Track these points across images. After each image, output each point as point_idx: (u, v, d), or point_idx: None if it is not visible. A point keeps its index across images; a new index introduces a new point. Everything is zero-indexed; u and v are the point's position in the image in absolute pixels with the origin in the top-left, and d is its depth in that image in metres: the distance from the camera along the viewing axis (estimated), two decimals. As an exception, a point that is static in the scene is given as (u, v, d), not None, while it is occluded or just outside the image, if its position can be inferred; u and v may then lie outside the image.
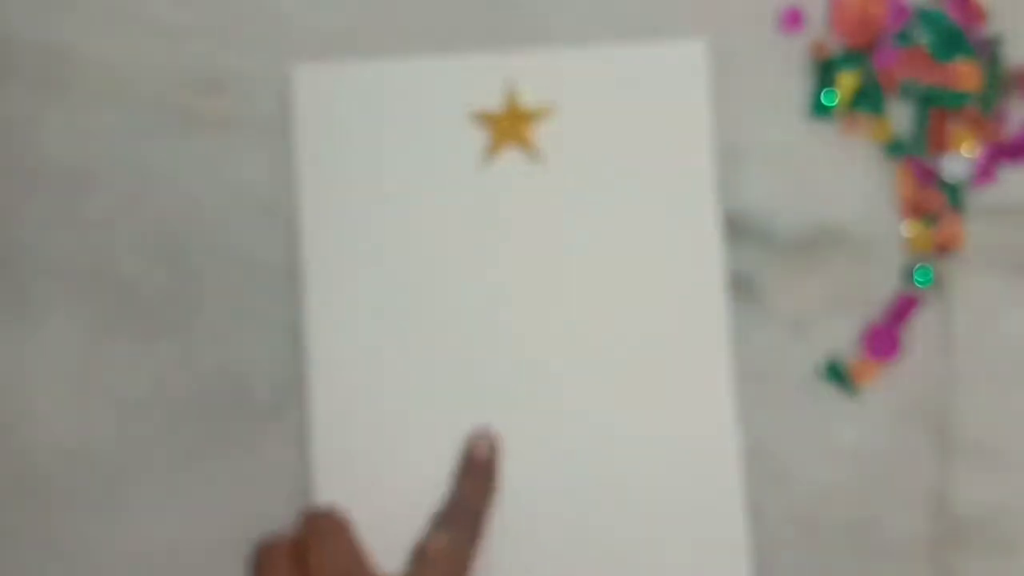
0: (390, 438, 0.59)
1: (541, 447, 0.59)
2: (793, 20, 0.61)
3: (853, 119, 0.61)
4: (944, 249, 0.60)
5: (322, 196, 0.60)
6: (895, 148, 0.61)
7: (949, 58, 0.61)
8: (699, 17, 0.61)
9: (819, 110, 0.61)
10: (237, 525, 0.60)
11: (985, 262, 0.61)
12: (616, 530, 0.58)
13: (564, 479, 0.59)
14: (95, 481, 0.60)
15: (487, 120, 0.60)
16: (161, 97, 0.62)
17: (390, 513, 0.58)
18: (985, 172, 0.61)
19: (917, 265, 0.60)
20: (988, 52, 0.61)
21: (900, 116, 0.61)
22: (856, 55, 0.61)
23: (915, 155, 0.61)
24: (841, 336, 0.60)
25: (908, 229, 0.60)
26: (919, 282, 0.60)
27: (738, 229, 0.61)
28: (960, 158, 0.61)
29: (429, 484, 0.59)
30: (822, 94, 0.61)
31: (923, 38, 0.61)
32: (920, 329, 0.60)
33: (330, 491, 0.59)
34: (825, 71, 0.61)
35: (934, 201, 0.60)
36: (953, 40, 0.61)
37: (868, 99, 0.61)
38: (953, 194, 0.61)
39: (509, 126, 0.60)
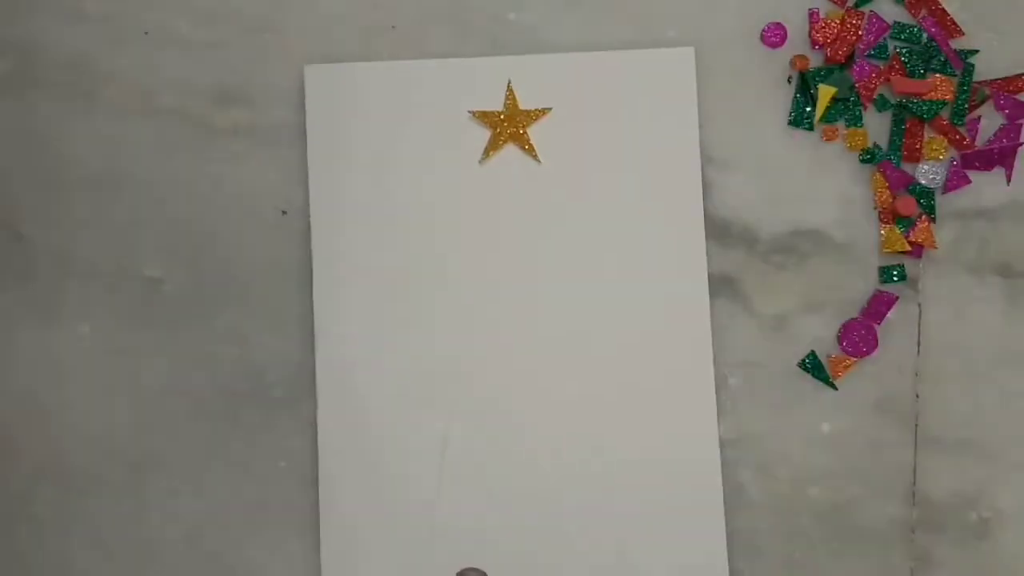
0: (391, 429, 0.60)
1: (533, 433, 0.60)
2: (775, 35, 0.62)
3: (831, 129, 0.62)
4: (917, 251, 0.62)
5: (329, 190, 0.61)
6: (871, 156, 0.62)
7: (924, 71, 0.62)
8: (685, 32, 0.62)
9: (799, 120, 0.62)
10: (252, 508, 0.61)
11: (956, 263, 0.62)
12: (602, 512, 0.60)
13: (555, 466, 0.60)
14: (120, 467, 0.62)
15: (487, 120, 0.62)
16: (182, 107, 0.63)
17: (391, 498, 0.60)
18: (957, 178, 0.62)
19: (891, 266, 0.61)
20: (961, 65, 0.62)
21: (876, 125, 0.62)
22: (834, 68, 0.62)
23: (890, 162, 0.62)
24: (820, 333, 0.61)
25: (883, 232, 0.61)
26: (893, 281, 0.61)
27: (722, 233, 0.62)
28: (933, 165, 0.62)
29: (425, 469, 0.60)
30: (802, 105, 0.62)
31: (899, 52, 0.62)
32: (895, 325, 0.61)
33: (335, 476, 0.60)
34: (805, 83, 0.62)
35: (908, 206, 0.61)
36: (928, 54, 0.62)
37: (846, 109, 0.62)
38: (926, 199, 0.62)
39: (508, 126, 0.61)
